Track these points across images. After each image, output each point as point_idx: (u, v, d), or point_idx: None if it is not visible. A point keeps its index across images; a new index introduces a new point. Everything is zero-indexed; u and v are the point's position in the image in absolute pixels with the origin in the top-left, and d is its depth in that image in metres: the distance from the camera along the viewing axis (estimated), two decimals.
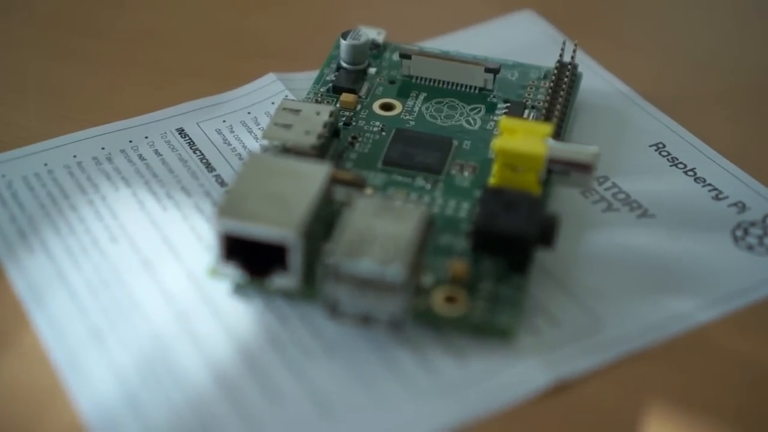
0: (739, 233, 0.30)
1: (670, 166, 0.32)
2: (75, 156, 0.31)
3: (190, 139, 0.32)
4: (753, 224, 0.30)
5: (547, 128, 0.28)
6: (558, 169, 0.28)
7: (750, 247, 0.29)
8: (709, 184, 0.31)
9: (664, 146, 0.33)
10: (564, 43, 0.33)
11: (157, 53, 0.35)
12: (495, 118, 0.32)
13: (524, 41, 0.37)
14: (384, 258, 0.24)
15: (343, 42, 0.33)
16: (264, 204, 0.26)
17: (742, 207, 0.31)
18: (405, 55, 0.33)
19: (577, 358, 0.25)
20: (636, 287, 0.28)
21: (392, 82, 0.33)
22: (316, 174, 0.27)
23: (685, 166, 0.32)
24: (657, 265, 0.28)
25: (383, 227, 0.25)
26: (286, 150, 0.29)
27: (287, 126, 0.29)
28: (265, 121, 0.32)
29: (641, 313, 0.27)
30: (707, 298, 0.27)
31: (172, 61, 0.35)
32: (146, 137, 0.32)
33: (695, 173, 0.32)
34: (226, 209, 0.25)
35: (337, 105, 0.32)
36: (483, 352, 0.25)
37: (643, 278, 0.28)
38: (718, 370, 0.26)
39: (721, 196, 0.31)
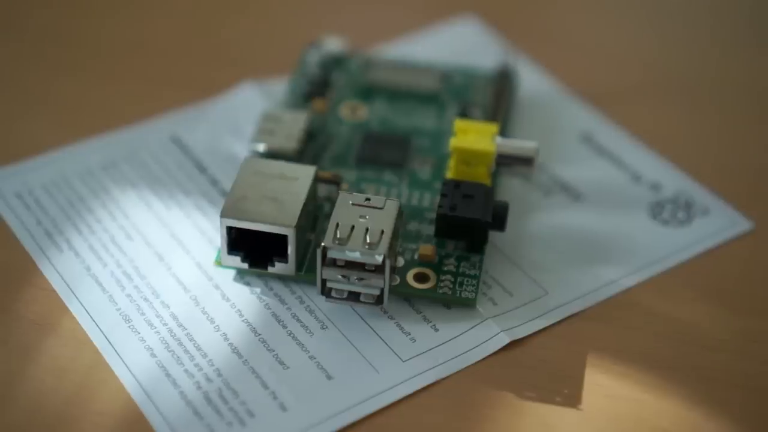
0: (655, 210, 0.35)
1: (597, 154, 0.37)
2: (85, 164, 0.35)
3: (182, 144, 0.36)
4: (667, 201, 0.35)
5: (494, 128, 0.34)
6: (505, 162, 0.33)
7: (665, 221, 0.35)
8: (630, 169, 0.37)
9: (592, 136, 0.38)
10: (504, 49, 0.39)
11: (142, 64, 0.40)
12: (448, 117, 0.37)
13: (467, 43, 0.42)
14: (368, 245, 0.29)
15: (309, 55, 0.38)
16: (262, 203, 0.30)
17: (658, 187, 0.36)
18: (367, 64, 0.38)
19: (528, 321, 0.31)
20: (573, 260, 0.33)
21: (356, 88, 0.38)
22: (304, 175, 0.31)
23: (609, 153, 0.37)
24: (589, 241, 0.34)
25: (365, 218, 0.30)
26: (272, 153, 0.33)
27: (271, 132, 0.34)
28: (246, 126, 0.37)
29: (579, 282, 0.32)
30: (631, 266, 0.33)
31: (156, 70, 0.39)
32: (144, 145, 0.36)
33: (618, 159, 0.37)
34: (229, 210, 0.30)
35: (310, 111, 0.37)
36: (451, 320, 0.30)
37: (579, 252, 0.33)
38: (643, 325, 0.31)
39: (639, 178, 0.36)
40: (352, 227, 0.29)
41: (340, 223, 0.29)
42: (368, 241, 0.29)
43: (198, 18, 0.43)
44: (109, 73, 0.39)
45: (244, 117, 0.37)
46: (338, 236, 0.29)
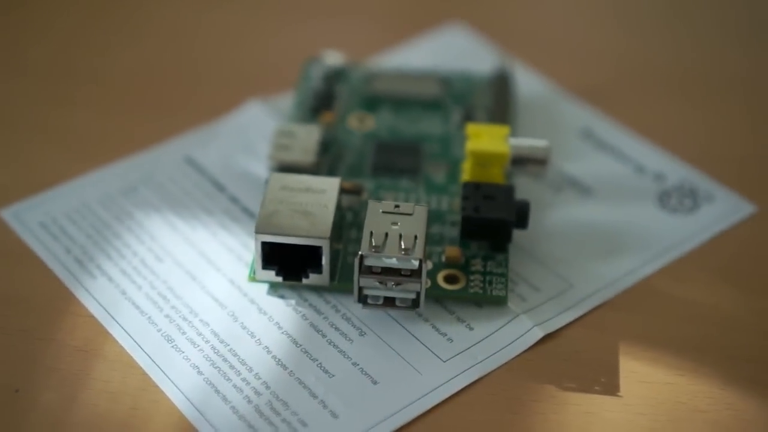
0: (663, 199, 0.36)
1: (599, 149, 0.38)
2: (105, 191, 0.35)
3: (197, 165, 0.37)
4: (672, 190, 0.37)
5: (506, 129, 0.35)
6: (519, 162, 0.34)
7: (673, 210, 0.36)
8: (633, 161, 0.38)
9: (591, 132, 0.39)
10: (500, 53, 0.40)
11: (148, 90, 0.40)
12: (452, 122, 0.38)
13: (458, 50, 0.43)
14: (404, 250, 0.30)
15: (313, 70, 0.39)
16: (294, 217, 0.31)
17: (662, 177, 0.37)
18: (369, 75, 0.39)
19: (558, 314, 0.32)
20: (591, 252, 0.34)
21: (361, 99, 0.39)
22: (329, 187, 0.32)
23: (610, 147, 0.38)
24: (604, 233, 0.35)
25: (397, 225, 0.30)
26: (290, 168, 0.34)
27: (286, 147, 0.35)
28: (257, 143, 0.37)
29: (600, 273, 0.33)
30: (647, 255, 0.34)
31: (163, 96, 0.40)
32: (160, 168, 0.36)
33: (620, 152, 0.38)
34: (263, 226, 0.31)
35: (320, 124, 0.37)
36: (484, 318, 0.31)
37: (595, 245, 0.34)
38: (665, 311, 0.32)
39: (643, 170, 0.38)
40: (386, 234, 0.30)
41: (374, 232, 0.30)
42: (403, 246, 0.30)
43: (197, 43, 0.43)
44: (117, 102, 0.39)
45: (253, 134, 0.38)
46: (374, 244, 0.30)
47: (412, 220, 0.31)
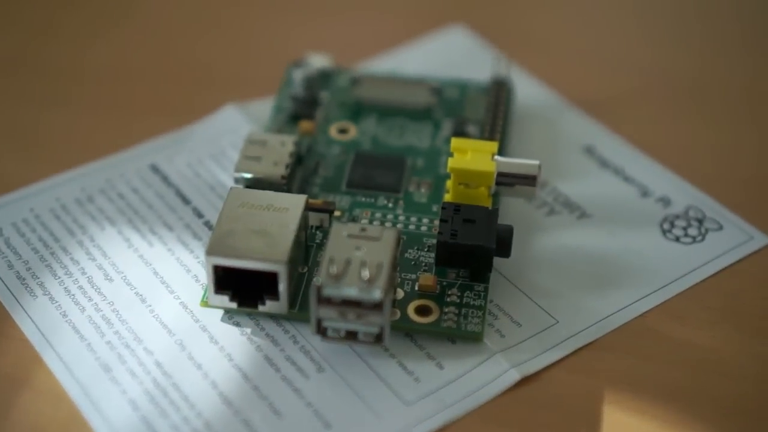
0: (666, 226, 0.33)
1: (601, 167, 0.35)
2: (58, 199, 0.33)
3: (163, 174, 0.34)
4: (677, 217, 0.33)
5: (494, 146, 0.32)
6: (506, 182, 0.31)
7: (677, 238, 0.33)
8: (636, 182, 0.35)
9: (594, 148, 0.36)
10: (497, 60, 0.37)
11: (116, 91, 0.38)
12: (442, 134, 0.35)
13: (456, 55, 0.40)
14: (365, 280, 0.27)
15: (294, 74, 0.36)
16: (250, 238, 0.28)
17: (667, 201, 0.34)
18: (354, 80, 0.36)
19: (539, 354, 0.29)
20: (582, 284, 0.31)
21: (344, 106, 0.36)
22: (293, 206, 0.29)
23: (614, 166, 0.35)
24: (598, 262, 0.32)
25: (361, 251, 0.27)
26: (258, 181, 0.31)
27: (256, 158, 0.32)
28: (230, 152, 0.35)
29: (590, 308, 0.30)
30: (645, 289, 0.31)
31: (133, 97, 0.37)
32: (122, 175, 0.34)
33: (623, 173, 0.35)
34: (215, 247, 0.28)
35: (297, 133, 0.35)
36: (456, 356, 0.28)
37: (588, 275, 0.31)
38: (659, 354, 0.29)
39: (647, 192, 0.34)
40: (348, 261, 0.27)
41: (334, 258, 0.27)
42: (365, 276, 0.27)
43: (174, 41, 0.40)
44: (82, 102, 0.37)
45: (227, 142, 0.35)
46: (333, 272, 0.27)
47: (378, 245, 0.28)
